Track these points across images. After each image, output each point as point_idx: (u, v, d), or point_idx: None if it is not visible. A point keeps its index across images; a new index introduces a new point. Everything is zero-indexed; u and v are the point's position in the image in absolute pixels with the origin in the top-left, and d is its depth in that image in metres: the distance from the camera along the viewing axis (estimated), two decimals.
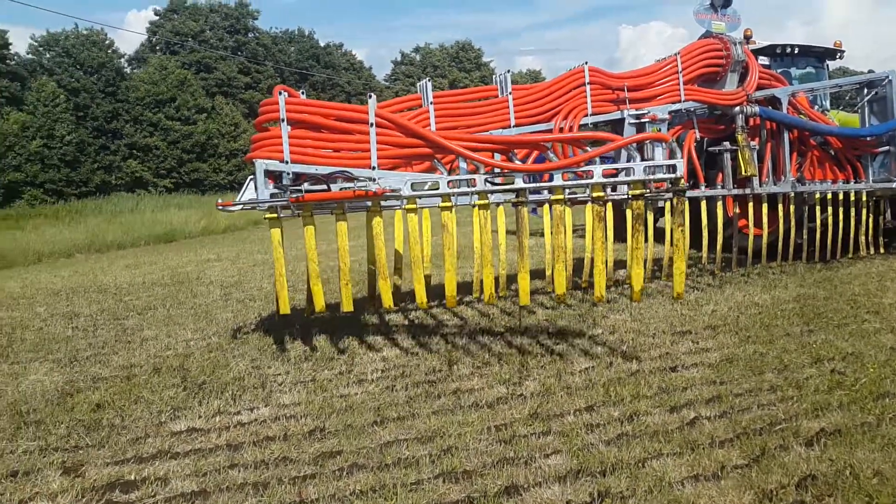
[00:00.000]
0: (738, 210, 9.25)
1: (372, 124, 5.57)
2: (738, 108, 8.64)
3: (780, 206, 9.12)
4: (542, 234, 7.58)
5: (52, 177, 48.84)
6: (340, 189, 5.44)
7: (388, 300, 5.60)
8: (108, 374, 5.89)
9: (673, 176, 5.20)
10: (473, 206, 5.87)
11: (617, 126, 7.68)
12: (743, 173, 8.64)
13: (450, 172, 5.95)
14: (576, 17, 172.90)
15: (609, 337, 6.22)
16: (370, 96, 5.73)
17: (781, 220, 9.14)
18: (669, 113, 7.87)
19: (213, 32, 61.21)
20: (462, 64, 74.35)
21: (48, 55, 54.38)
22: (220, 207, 6.36)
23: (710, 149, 9.22)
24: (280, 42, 66.10)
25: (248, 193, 5.93)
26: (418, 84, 6.79)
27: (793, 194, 8.94)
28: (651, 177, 5.22)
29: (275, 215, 5.69)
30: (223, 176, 54.48)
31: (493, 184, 5.38)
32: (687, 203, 8.08)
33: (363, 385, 5.24)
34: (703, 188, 8.62)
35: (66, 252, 19.02)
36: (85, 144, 50.76)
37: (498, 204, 6.86)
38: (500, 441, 4.05)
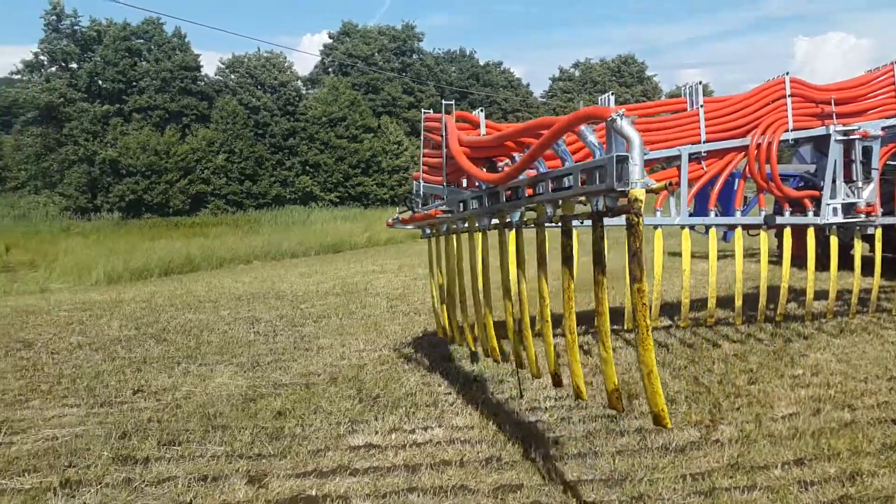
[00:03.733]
0: None
1: (443, 136, 5.09)
2: None
3: None
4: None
5: (234, 189, 53.26)
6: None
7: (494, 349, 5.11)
8: (288, 380, 6.07)
9: (603, 188, 2.93)
10: (489, 228, 4.85)
11: (822, 144, 6.93)
12: None
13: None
14: (746, 28, 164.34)
15: (812, 379, 5.54)
16: (447, 108, 5.16)
17: None
18: (883, 129, 6.99)
19: (381, 55, 63.99)
20: (623, 78, 72.40)
21: (233, 76, 59.33)
22: (391, 226, 6.63)
23: None
24: (442, 62, 67.83)
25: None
26: (600, 98, 6.50)
27: None
28: (582, 190, 3.20)
29: (418, 232, 5.90)
30: (385, 191, 56.64)
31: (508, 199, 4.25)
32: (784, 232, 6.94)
33: (536, 413, 4.99)
34: None
35: (244, 259, 20.45)
36: (263, 159, 54.87)
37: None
38: (699, 493, 3.64)
